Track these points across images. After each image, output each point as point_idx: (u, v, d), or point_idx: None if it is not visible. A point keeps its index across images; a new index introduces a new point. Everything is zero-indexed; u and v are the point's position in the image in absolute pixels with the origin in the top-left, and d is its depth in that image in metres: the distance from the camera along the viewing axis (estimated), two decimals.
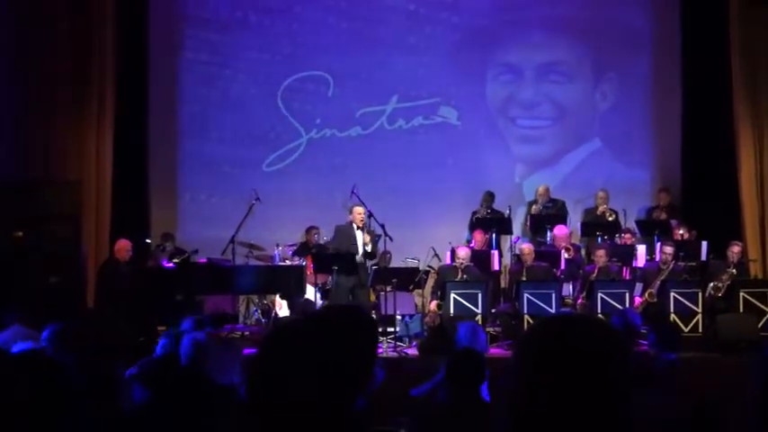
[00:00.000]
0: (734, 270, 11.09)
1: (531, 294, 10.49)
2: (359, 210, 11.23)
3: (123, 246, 11.46)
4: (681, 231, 12.09)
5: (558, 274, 11.51)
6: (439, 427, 4.08)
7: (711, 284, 10.98)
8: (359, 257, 11.06)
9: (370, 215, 11.41)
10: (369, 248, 11.11)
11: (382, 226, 11.37)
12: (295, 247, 12.26)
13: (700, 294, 10.54)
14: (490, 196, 13.22)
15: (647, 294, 10.91)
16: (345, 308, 2.94)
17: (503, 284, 12.32)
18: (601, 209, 12.88)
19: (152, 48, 13.62)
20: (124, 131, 13.07)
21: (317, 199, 13.55)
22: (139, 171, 13.44)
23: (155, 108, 13.66)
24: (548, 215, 12.85)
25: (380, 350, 9.75)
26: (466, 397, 4.25)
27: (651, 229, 12.43)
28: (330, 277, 11.21)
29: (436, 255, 12.54)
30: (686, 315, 10.42)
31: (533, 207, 13.18)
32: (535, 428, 1.72)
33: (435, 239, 12.69)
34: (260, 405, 2.20)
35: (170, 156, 13.85)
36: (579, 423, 1.69)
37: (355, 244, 11.13)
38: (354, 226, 11.22)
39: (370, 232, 11.24)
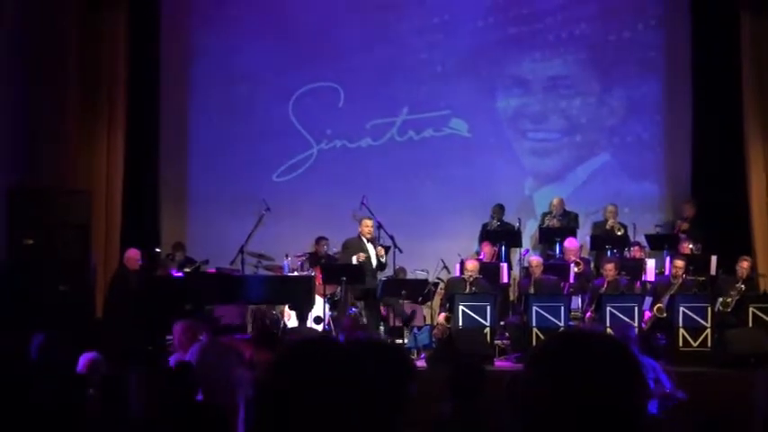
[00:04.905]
0: (743, 285, 11.06)
1: (539, 307, 10.49)
2: (367, 222, 11.26)
3: (133, 255, 11.52)
4: (690, 245, 12.08)
5: (567, 287, 11.50)
6: None
7: (720, 299, 10.95)
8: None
9: (379, 226, 11.45)
10: (383, 260, 11.17)
11: (392, 237, 11.39)
12: (304, 258, 12.27)
13: (709, 309, 10.52)
14: (500, 209, 13.20)
15: (655, 309, 10.88)
16: (384, 345, 2.87)
17: (512, 297, 12.32)
18: (610, 223, 12.86)
19: (163, 57, 13.68)
20: (135, 141, 13.13)
21: (326, 210, 13.55)
22: (150, 181, 13.49)
23: (166, 118, 13.72)
24: (558, 228, 12.84)
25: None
26: (468, 410, 4.25)
27: (660, 243, 12.43)
28: (339, 288, 11.21)
29: (445, 267, 12.53)
30: (695, 329, 10.41)
31: (547, 218, 13.14)
32: None
33: (444, 252, 12.70)
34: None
35: (180, 165, 13.90)
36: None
37: (368, 256, 11.17)
38: (364, 239, 11.25)
39: (380, 245, 11.27)
